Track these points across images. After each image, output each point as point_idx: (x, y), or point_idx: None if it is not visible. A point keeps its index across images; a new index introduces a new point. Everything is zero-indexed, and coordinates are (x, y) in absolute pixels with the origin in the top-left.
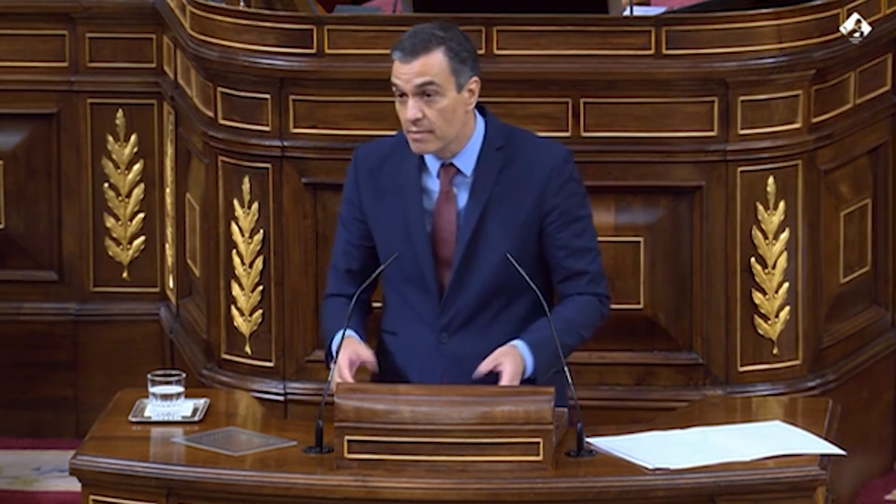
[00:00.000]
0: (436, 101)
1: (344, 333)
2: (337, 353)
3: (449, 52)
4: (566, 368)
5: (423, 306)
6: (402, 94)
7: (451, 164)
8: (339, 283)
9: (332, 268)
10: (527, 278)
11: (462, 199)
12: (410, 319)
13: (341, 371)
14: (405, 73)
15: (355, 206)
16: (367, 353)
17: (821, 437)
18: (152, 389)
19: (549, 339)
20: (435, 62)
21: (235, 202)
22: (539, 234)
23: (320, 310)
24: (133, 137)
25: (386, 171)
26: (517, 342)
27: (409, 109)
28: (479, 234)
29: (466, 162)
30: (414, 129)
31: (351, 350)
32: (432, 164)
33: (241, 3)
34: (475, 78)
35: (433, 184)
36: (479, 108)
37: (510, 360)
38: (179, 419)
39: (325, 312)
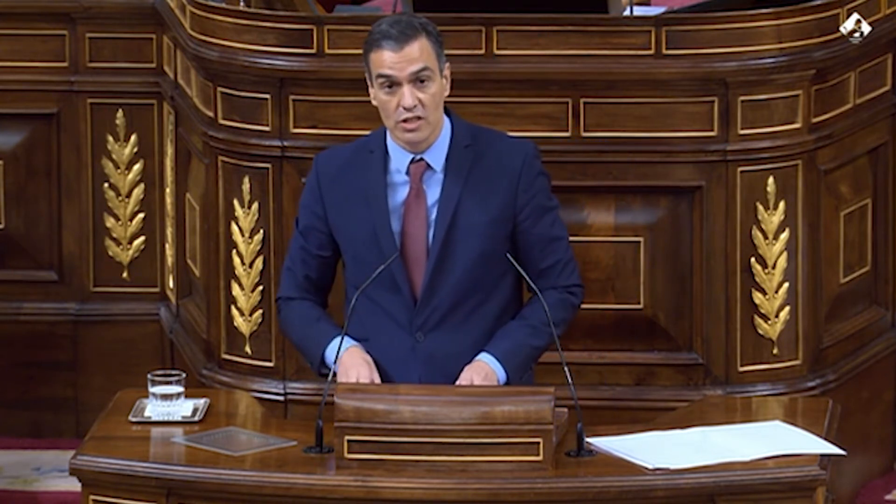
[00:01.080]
0: (428, 86)
1: (341, 343)
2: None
3: (430, 37)
4: (566, 368)
5: (395, 307)
6: (392, 85)
7: (422, 160)
8: (297, 288)
9: (288, 271)
10: (526, 277)
11: (431, 196)
12: (383, 322)
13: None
14: (398, 61)
15: (317, 215)
16: (377, 376)
17: (821, 437)
18: (152, 389)
19: (517, 346)
20: (424, 47)
21: (235, 202)
22: (512, 230)
23: (280, 312)
24: (133, 137)
25: (349, 178)
26: (484, 356)
27: (406, 97)
28: (453, 232)
29: (436, 158)
30: (409, 116)
31: (368, 374)
32: (400, 161)
33: (241, 3)
34: (448, 64)
35: (401, 183)
36: (444, 108)
37: (475, 379)
38: (179, 419)
39: (292, 316)
